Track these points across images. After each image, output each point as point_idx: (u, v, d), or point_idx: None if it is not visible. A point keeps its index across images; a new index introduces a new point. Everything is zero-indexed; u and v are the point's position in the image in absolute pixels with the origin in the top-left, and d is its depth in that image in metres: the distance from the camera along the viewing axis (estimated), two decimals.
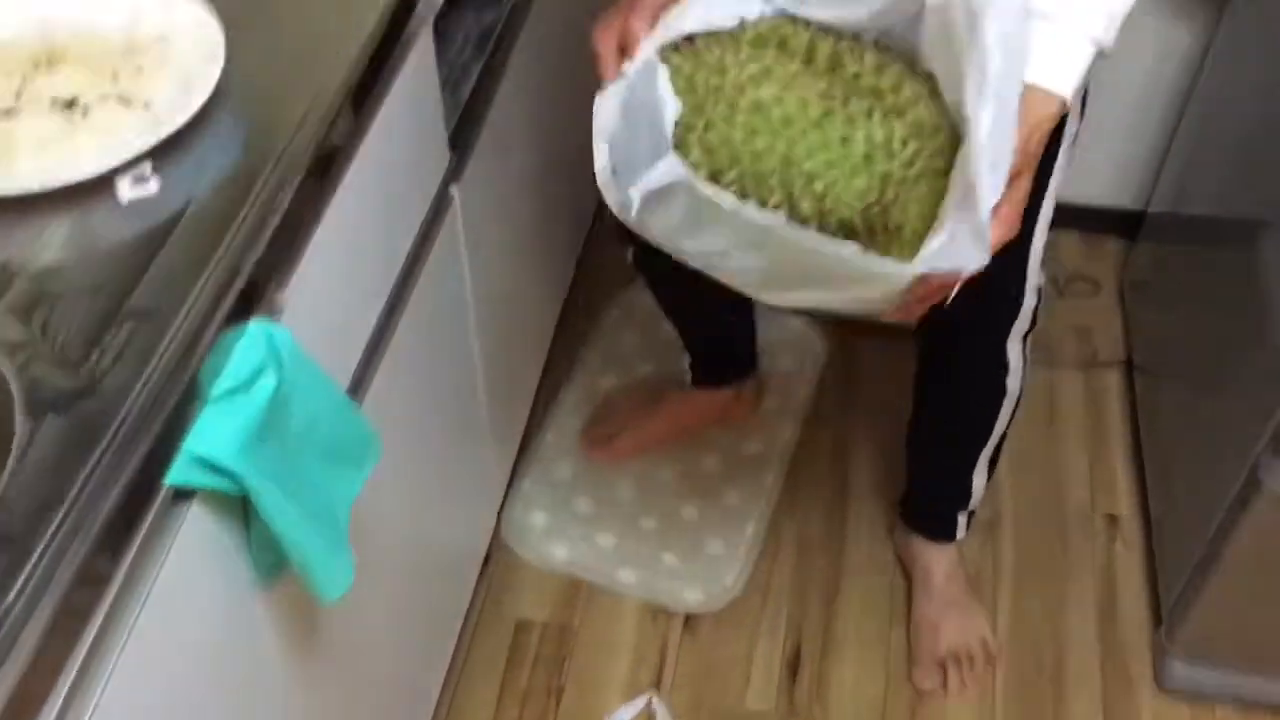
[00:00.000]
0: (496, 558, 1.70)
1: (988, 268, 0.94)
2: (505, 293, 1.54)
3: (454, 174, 1.24)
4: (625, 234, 1.23)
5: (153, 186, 0.84)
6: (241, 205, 0.83)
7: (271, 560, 0.89)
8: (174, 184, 0.84)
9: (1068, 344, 1.96)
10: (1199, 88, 1.82)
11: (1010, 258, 1.04)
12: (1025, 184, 0.98)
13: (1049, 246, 1.28)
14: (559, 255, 1.84)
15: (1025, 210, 0.99)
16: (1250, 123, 1.58)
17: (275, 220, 0.84)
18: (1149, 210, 1.98)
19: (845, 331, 1.95)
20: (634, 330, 1.97)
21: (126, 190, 0.83)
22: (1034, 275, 1.28)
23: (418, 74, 1.11)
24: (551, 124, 1.59)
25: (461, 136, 1.25)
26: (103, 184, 0.83)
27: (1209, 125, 1.76)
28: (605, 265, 1.97)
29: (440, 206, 1.22)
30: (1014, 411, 1.44)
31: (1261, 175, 1.50)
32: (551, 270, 1.81)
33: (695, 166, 0.96)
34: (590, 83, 1.04)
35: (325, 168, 0.93)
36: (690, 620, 1.66)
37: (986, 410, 1.43)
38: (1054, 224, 1.25)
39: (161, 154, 0.85)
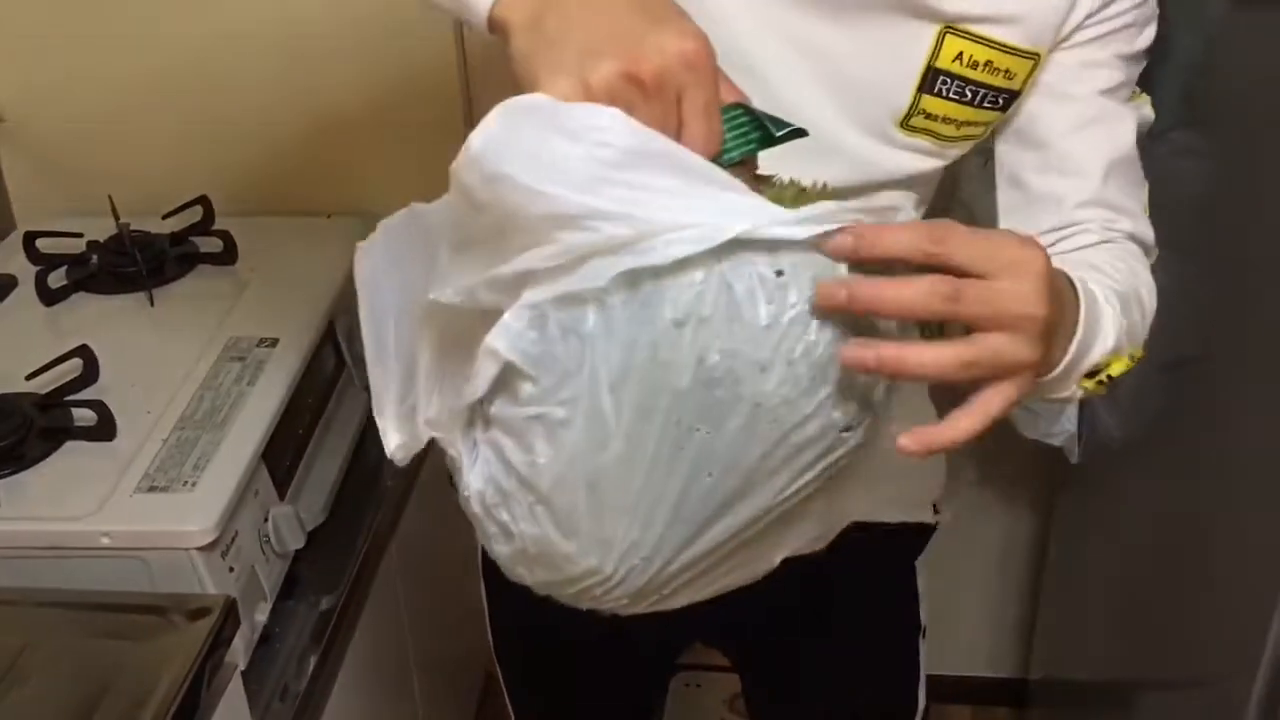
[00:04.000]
0: None
1: None
2: None
3: None
4: None
5: None
6: None
7: None
8: None
9: None
10: (1050, 560, 1.92)
11: None
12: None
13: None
14: None
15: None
16: (1105, 590, 1.66)
17: None
18: (1030, 678, 2.04)
19: None
20: None
21: None
22: None
23: None
24: None
25: None
26: None
27: (1068, 594, 1.85)
28: None
29: None
30: None
31: (1130, 637, 1.57)
32: None
33: None
34: None
35: None
36: None
37: None
38: (943, 698, 1.26)
39: None
